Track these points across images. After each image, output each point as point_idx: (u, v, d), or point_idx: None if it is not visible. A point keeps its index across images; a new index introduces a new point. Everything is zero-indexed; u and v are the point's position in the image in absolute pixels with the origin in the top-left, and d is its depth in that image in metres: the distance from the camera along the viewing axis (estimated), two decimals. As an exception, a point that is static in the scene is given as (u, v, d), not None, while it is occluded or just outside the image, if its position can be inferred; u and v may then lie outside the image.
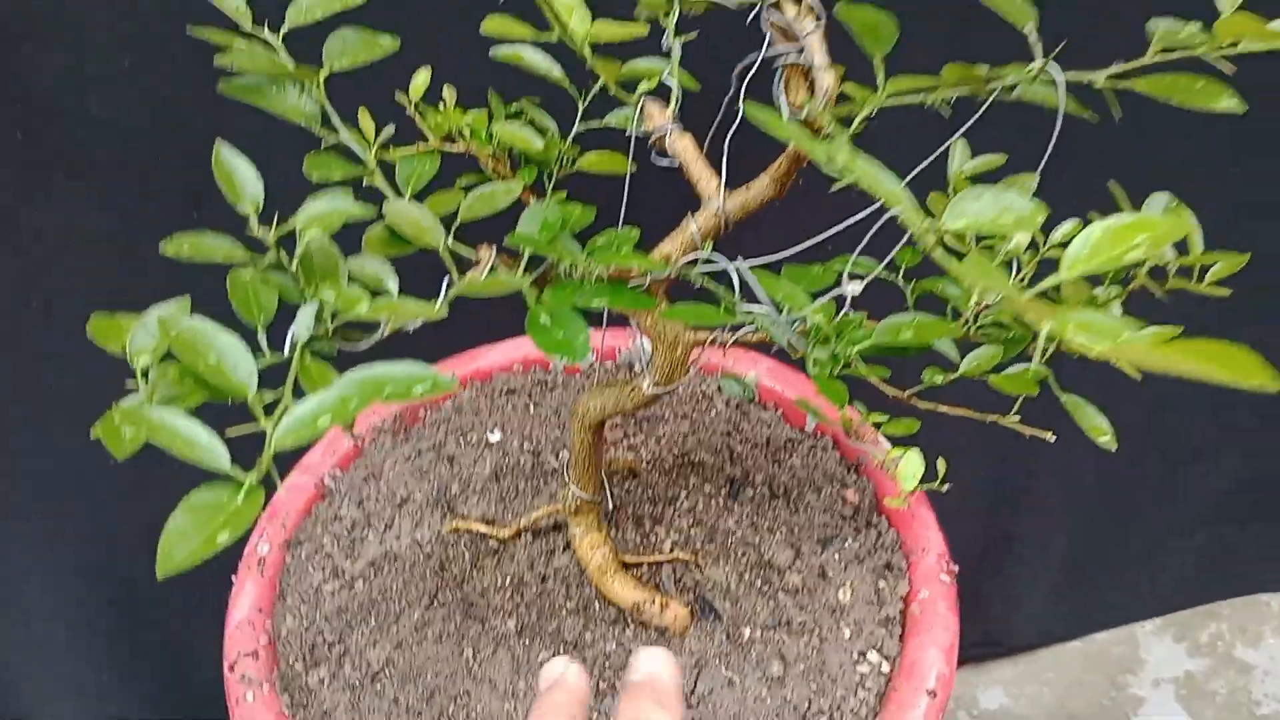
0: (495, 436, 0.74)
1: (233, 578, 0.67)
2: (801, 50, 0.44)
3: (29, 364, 0.86)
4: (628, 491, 0.69)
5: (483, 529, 0.66)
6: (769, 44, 0.45)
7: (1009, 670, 1.50)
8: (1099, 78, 0.42)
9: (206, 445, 0.30)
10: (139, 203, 0.79)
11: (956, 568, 0.66)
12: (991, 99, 0.44)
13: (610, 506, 0.67)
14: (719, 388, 0.79)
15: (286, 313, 0.40)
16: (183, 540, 0.28)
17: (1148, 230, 0.32)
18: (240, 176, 0.39)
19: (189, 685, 1.07)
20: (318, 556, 0.67)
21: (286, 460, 0.74)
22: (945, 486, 0.51)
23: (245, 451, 0.33)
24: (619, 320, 0.79)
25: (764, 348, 0.81)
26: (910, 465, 0.45)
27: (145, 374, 0.35)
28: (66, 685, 1.04)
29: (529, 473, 0.71)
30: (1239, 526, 1.44)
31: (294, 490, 0.71)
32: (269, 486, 0.32)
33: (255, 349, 0.38)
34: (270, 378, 0.37)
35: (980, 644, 1.46)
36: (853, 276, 0.45)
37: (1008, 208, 0.38)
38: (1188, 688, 1.49)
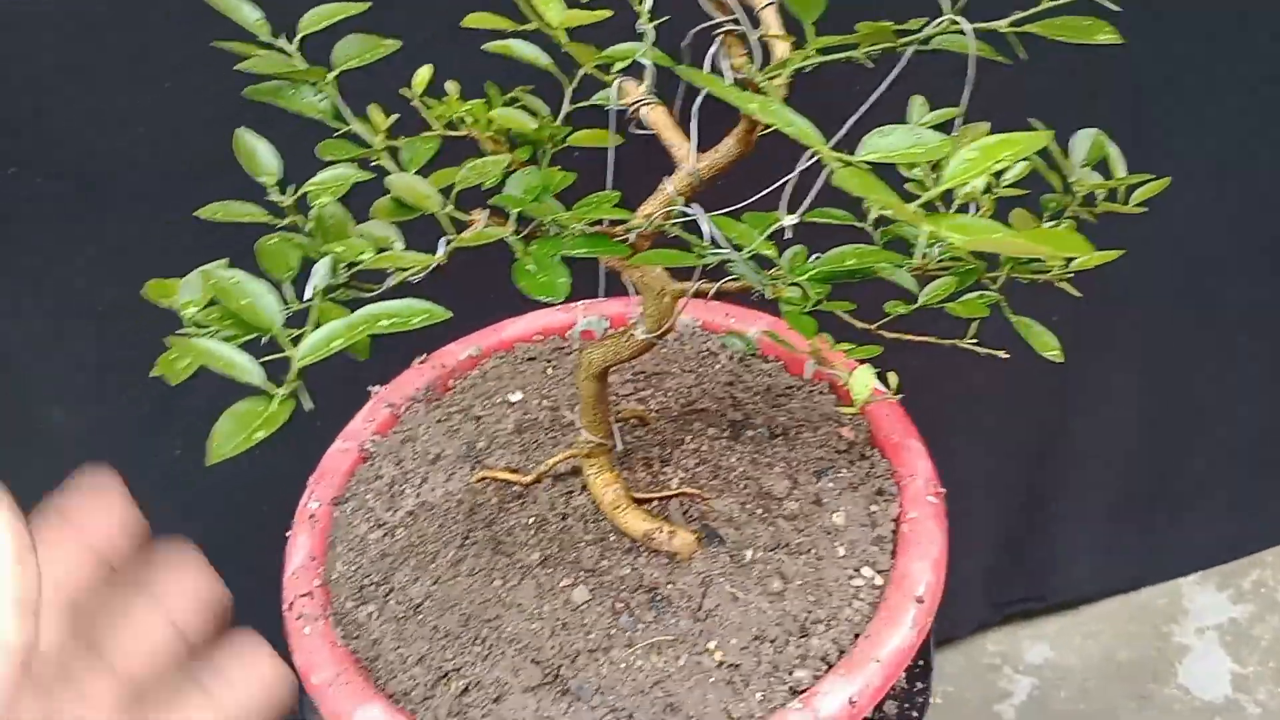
0: (516, 397, 0.82)
1: (286, 534, 0.75)
2: (737, 20, 0.50)
3: (89, 368, 0.94)
4: (638, 438, 0.76)
5: (507, 476, 0.73)
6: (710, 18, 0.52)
7: (1053, 624, 1.53)
8: (1002, 25, 0.48)
9: (246, 365, 0.38)
10: (155, 230, 0.87)
11: (943, 490, 0.72)
12: (910, 51, 0.50)
13: (621, 450, 0.74)
14: (723, 345, 0.85)
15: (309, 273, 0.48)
16: (229, 438, 0.36)
17: (1011, 146, 0.38)
18: (259, 154, 0.46)
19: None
20: (362, 511, 0.75)
21: (331, 429, 0.82)
22: (899, 396, 0.57)
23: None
24: (623, 290, 0.85)
25: (752, 297, 0.88)
26: (861, 377, 0.51)
27: (193, 321, 0.42)
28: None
29: (548, 426, 0.78)
30: (1276, 473, 1.46)
31: (339, 455, 0.79)
32: (296, 401, 0.39)
33: (284, 301, 0.45)
34: (297, 322, 0.44)
35: (1023, 599, 1.49)
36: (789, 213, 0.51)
37: (918, 141, 0.44)
38: (1232, 634, 1.51)
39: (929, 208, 0.42)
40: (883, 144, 0.43)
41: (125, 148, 0.85)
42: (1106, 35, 0.44)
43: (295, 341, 0.41)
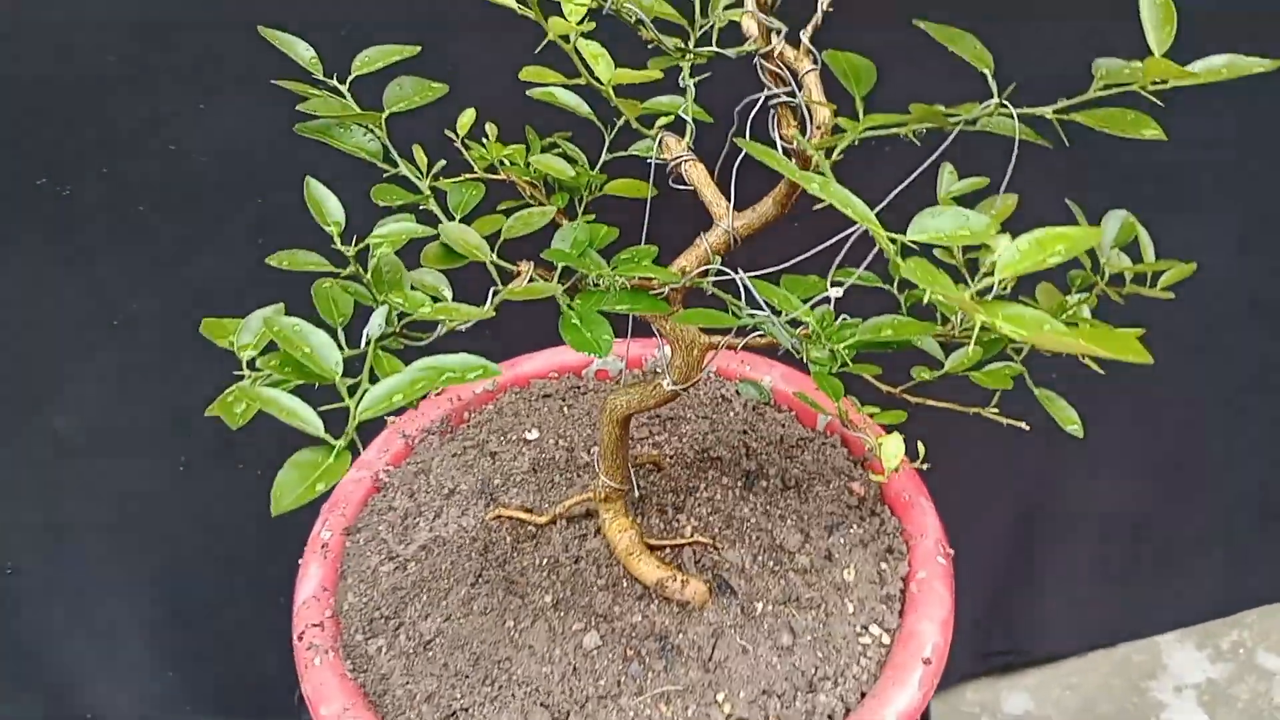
0: (533, 435, 0.82)
1: (299, 562, 0.75)
2: (792, 92, 0.51)
3: (104, 379, 0.95)
4: (652, 483, 0.77)
5: (522, 516, 0.74)
6: (767, 86, 0.53)
7: (1033, 676, 1.53)
8: (1046, 111, 0.49)
9: (306, 416, 0.38)
10: (211, 231, 0.88)
11: (952, 551, 0.73)
12: (955, 131, 0.51)
13: (636, 496, 0.74)
14: (737, 391, 0.86)
15: (358, 317, 0.49)
16: (290, 488, 0.36)
17: (1065, 240, 0.39)
18: (327, 204, 0.47)
19: (246, 682, 1.14)
20: (374, 542, 0.75)
21: (346, 457, 0.82)
22: (926, 465, 0.58)
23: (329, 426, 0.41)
24: (643, 332, 0.86)
25: (778, 355, 0.89)
26: (891, 446, 0.52)
27: (250, 364, 0.43)
28: (132, 682, 1.12)
29: (563, 466, 0.79)
30: (1263, 536, 1.47)
31: (352, 484, 0.80)
32: (354, 451, 0.40)
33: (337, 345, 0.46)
34: (346, 369, 0.45)
35: (1005, 652, 1.50)
36: (835, 283, 0.52)
37: (965, 224, 0.45)
38: (1210, 693, 1.52)
39: (954, 276, 0.43)
40: (931, 225, 0.44)
41: (167, 157, 0.85)
42: (1151, 131, 0.46)
43: (351, 391, 0.41)
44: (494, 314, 0.47)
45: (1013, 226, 0.45)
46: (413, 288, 0.48)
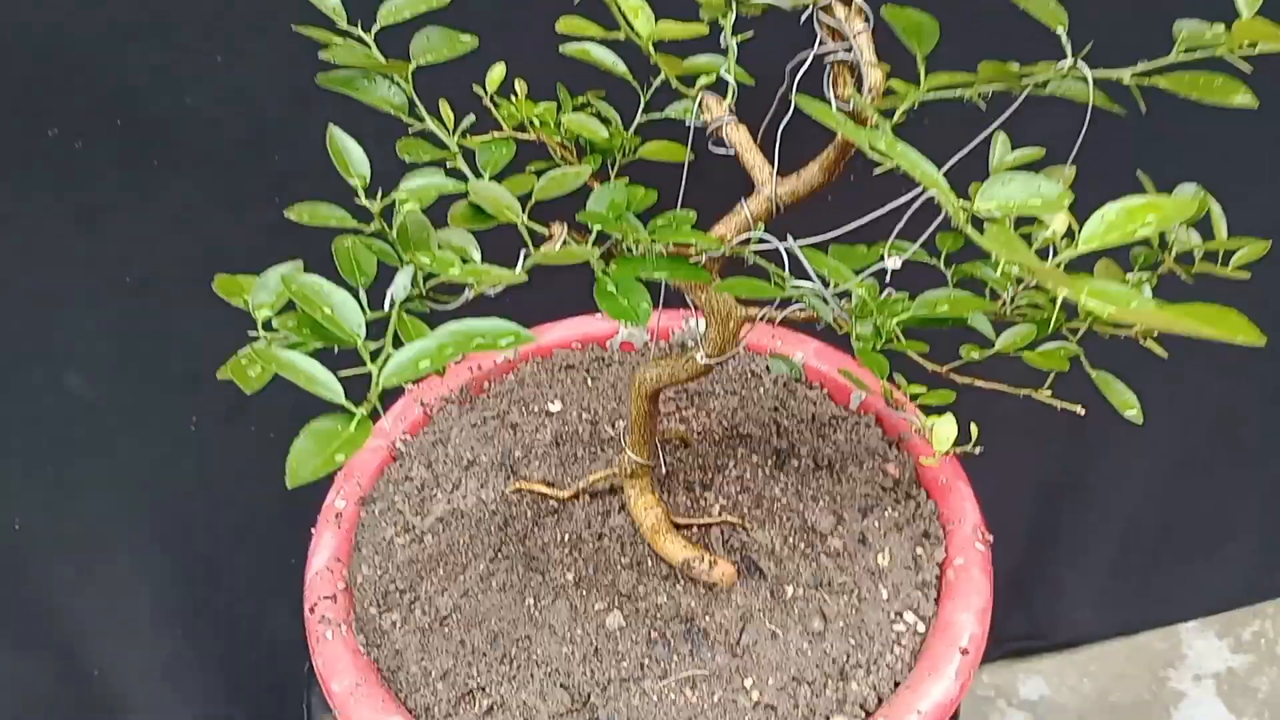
0: (555, 407, 0.79)
1: (311, 530, 0.73)
2: (850, 48, 0.48)
3: (116, 337, 0.92)
4: (680, 460, 0.74)
5: (544, 490, 0.71)
6: (819, 42, 0.49)
7: (1050, 662, 1.52)
8: (1125, 75, 0.46)
9: (325, 381, 0.35)
10: (227, 188, 0.85)
11: (991, 537, 0.70)
12: (1025, 94, 0.47)
13: (663, 472, 0.72)
14: (767, 367, 0.83)
15: (383, 276, 0.46)
16: (307, 459, 0.33)
17: (1156, 210, 0.36)
18: (351, 155, 0.44)
19: (255, 645, 1.13)
20: (390, 513, 0.73)
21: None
22: (979, 449, 0.55)
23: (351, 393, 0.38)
24: (671, 304, 0.83)
25: (812, 330, 0.86)
26: (944, 429, 0.49)
27: (266, 324, 0.40)
28: (140, 641, 1.11)
29: (587, 440, 0.76)
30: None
31: (368, 452, 0.77)
32: (375, 419, 0.37)
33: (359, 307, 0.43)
34: (367, 333, 0.42)
35: (1024, 637, 1.48)
36: (894, 254, 0.49)
37: (1037, 192, 0.42)
38: (1229, 684, 1.50)
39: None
40: (1001, 193, 0.41)
41: (185, 110, 0.82)
42: (1243, 98, 0.42)
43: (373, 355, 0.38)
44: (525, 278, 0.44)
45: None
46: (440, 248, 0.45)
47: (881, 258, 0.49)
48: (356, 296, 0.42)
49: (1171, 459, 1.32)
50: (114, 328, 0.91)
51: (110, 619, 1.08)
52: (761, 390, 0.81)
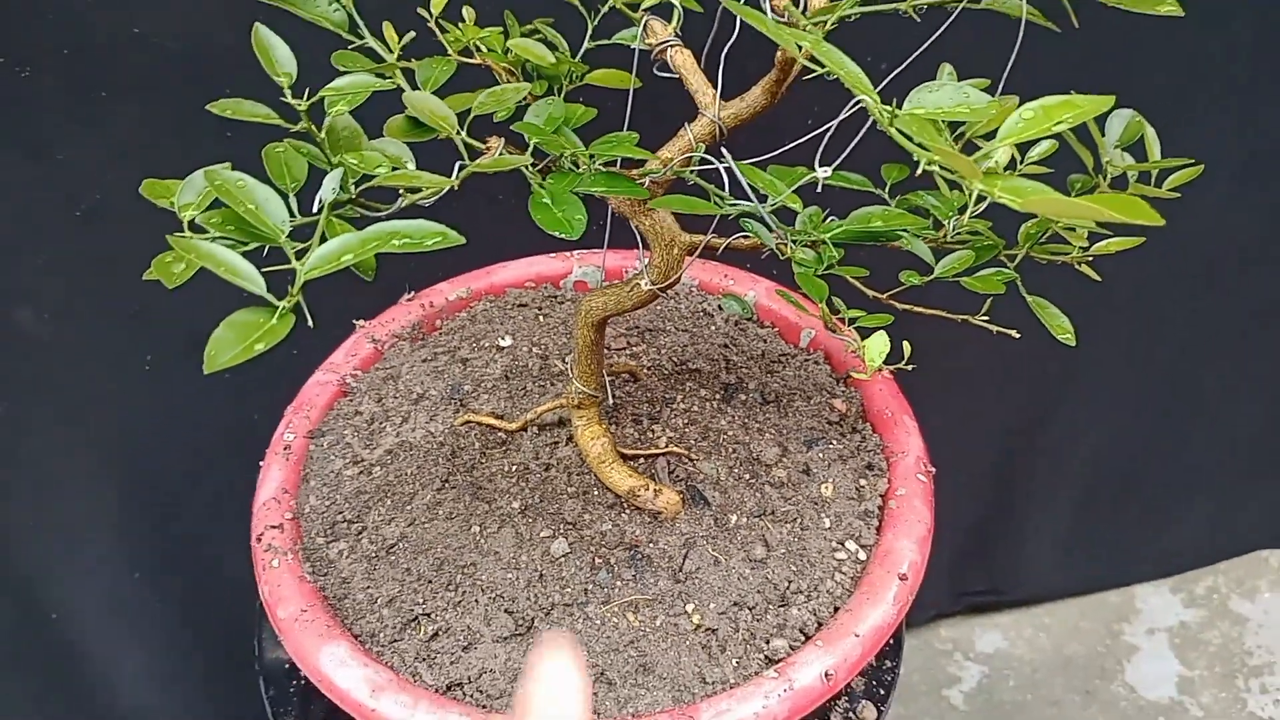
0: (506, 342, 0.80)
1: (259, 464, 0.73)
2: (785, -41, 0.48)
3: (67, 272, 0.91)
4: (628, 394, 0.74)
5: (492, 422, 0.72)
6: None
7: (1007, 616, 1.54)
8: (1057, -12, 0.46)
9: (248, 274, 0.35)
10: (176, 117, 0.84)
11: (934, 469, 0.71)
12: (960, 7, 0.48)
13: (611, 405, 0.72)
14: (719, 306, 0.83)
15: (315, 185, 0.45)
16: (226, 347, 0.33)
17: (1072, 108, 0.36)
18: (276, 52, 0.44)
19: (211, 585, 1.13)
20: (339, 446, 0.73)
21: (311, 360, 0.79)
22: (911, 366, 0.55)
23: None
24: (623, 244, 0.83)
25: (766, 271, 0.86)
26: (875, 344, 0.50)
27: (192, 225, 0.40)
28: (97, 581, 1.10)
29: (537, 374, 0.76)
30: (1247, 484, 1.47)
31: (318, 387, 0.77)
32: (298, 315, 0.37)
33: (288, 211, 0.43)
34: (300, 238, 0.42)
35: (984, 592, 1.50)
36: (824, 166, 0.49)
37: (965, 100, 0.42)
38: (1181, 637, 1.52)
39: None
40: (929, 100, 0.42)
41: (122, 40, 0.81)
42: (1169, 7, 0.43)
43: (300, 255, 0.38)
44: (455, 185, 0.44)
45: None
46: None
47: (813, 170, 0.49)
48: (286, 200, 0.42)
49: (1130, 420, 1.34)
50: (63, 262, 0.90)
51: (67, 561, 1.07)
52: (713, 328, 0.81)
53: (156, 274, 0.38)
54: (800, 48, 0.40)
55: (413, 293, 0.84)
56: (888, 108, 0.40)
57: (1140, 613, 1.57)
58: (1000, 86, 0.53)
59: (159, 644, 1.13)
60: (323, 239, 0.40)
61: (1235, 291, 1.21)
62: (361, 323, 0.82)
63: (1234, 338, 1.27)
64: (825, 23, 0.45)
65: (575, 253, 0.88)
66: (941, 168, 0.39)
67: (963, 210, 0.58)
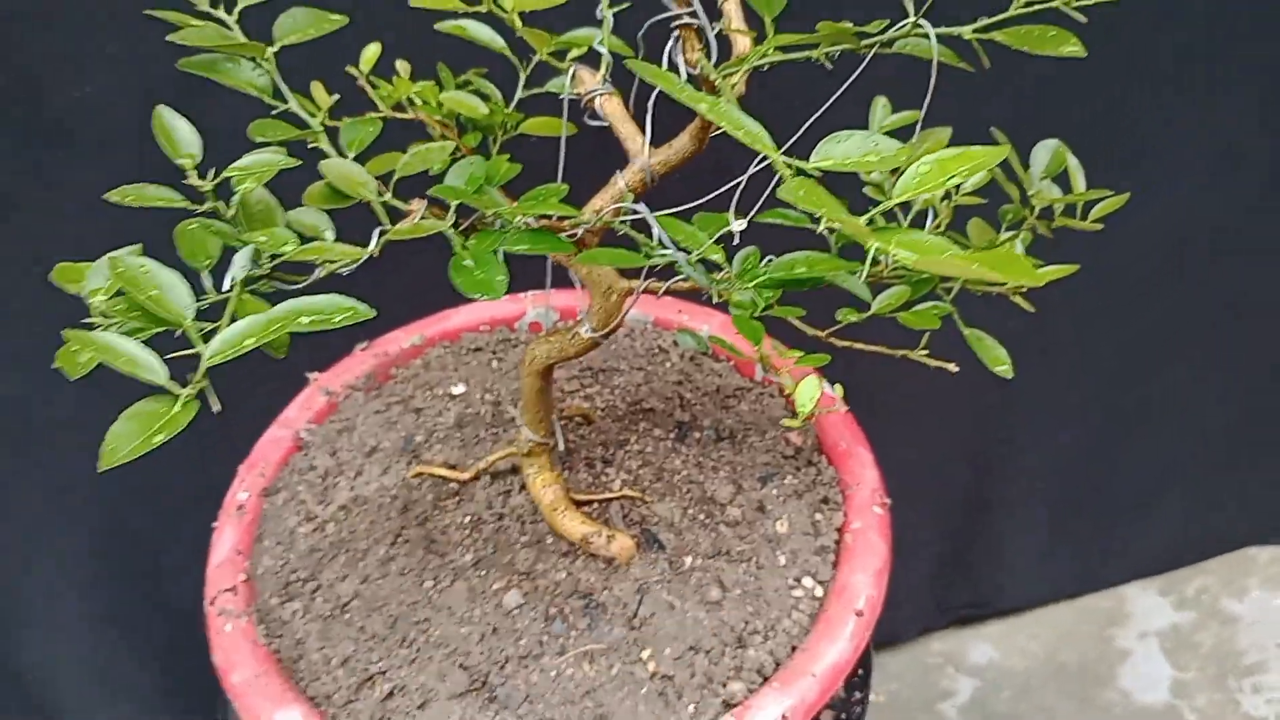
0: (459, 389, 0.79)
1: (213, 525, 0.72)
2: (695, 13, 0.48)
3: (29, 333, 0.91)
4: (582, 437, 0.74)
5: (444, 473, 0.71)
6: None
7: (997, 626, 1.53)
8: (966, 30, 0.46)
9: (147, 363, 0.35)
10: (129, 175, 0.84)
11: (889, 500, 0.70)
12: (871, 54, 0.48)
13: (563, 450, 0.72)
14: (674, 342, 0.83)
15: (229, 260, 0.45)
16: (125, 440, 0.33)
17: (968, 161, 0.36)
18: (178, 134, 0.44)
19: (175, 630, 1.12)
20: (293, 503, 0.73)
21: (265, 416, 0.79)
22: (845, 409, 0.55)
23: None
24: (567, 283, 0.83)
25: (703, 300, 0.86)
26: (807, 389, 0.50)
27: (100, 311, 0.40)
28: (78, 655, 1.10)
29: (490, 421, 0.76)
30: (1224, 478, 1.46)
31: (272, 443, 0.77)
32: (203, 401, 0.37)
33: (201, 290, 0.43)
34: (215, 314, 0.42)
35: (969, 605, 1.49)
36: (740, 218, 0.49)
37: (874, 148, 0.42)
38: (1173, 640, 1.52)
39: (888, 216, 0.40)
40: (837, 151, 0.41)
41: (80, 102, 0.81)
42: (1071, 48, 0.43)
43: (208, 337, 0.38)
44: (373, 254, 0.44)
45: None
46: (290, 228, 0.45)
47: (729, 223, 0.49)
48: (199, 279, 0.42)
49: (1098, 419, 1.34)
50: (28, 321, 0.90)
51: (42, 619, 1.07)
52: (667, 365, 0.81)
53: (61, 365, 0.38)
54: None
55: (367, 342, 0.84)
56: (793, 161, 0.40)
57: (1131, 616, 1.57)
58: (920, 123, 0.53)
59: (132, 704, 1.12)
60: (233, 319, 0.40)
61: (1205, 282, 1.20)
62: (314, 375, 0.82)
63: (1204, 329, 1.26)
64: (736, 73, 0.45)
65: (528, 294, 0.88)
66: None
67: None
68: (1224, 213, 1.14)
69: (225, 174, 0.42)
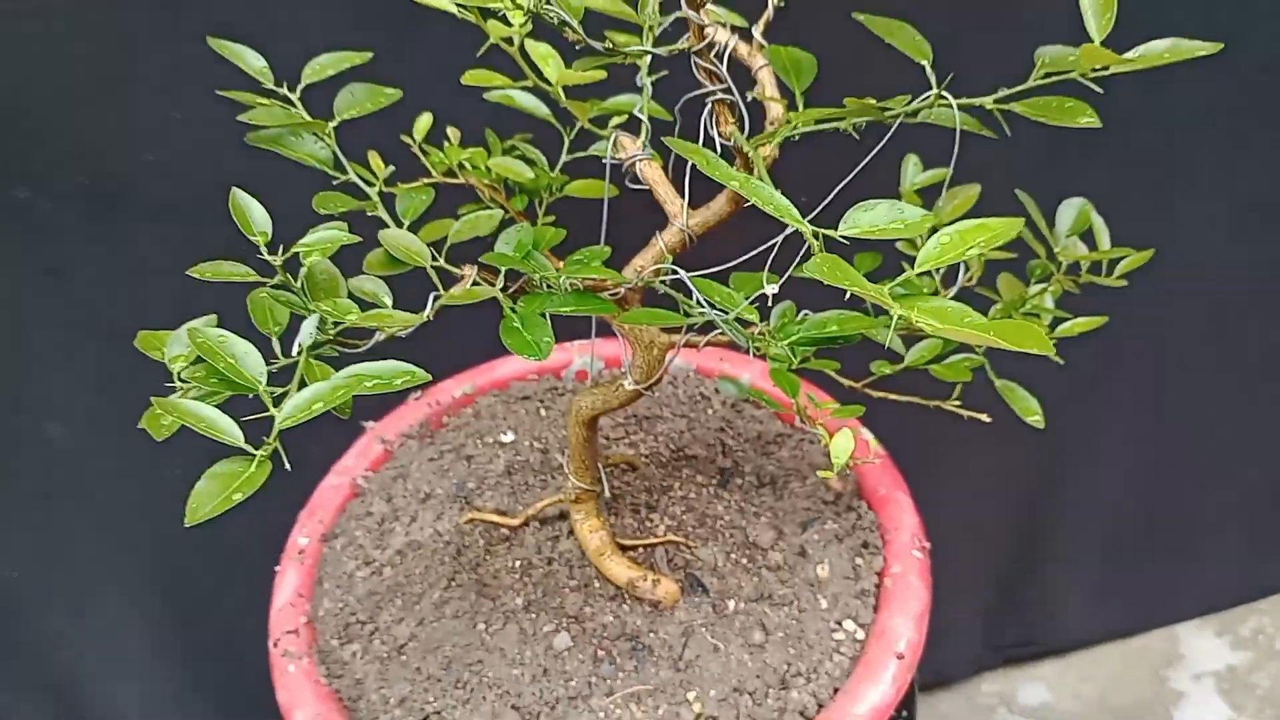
0: (509, 437, 0.82)
1: (275, 569, 0.76)
2: (729, 89, 0.51)
3: (96, 388, 0.96)
4: (627, 483, 0.77)
5: (495, 519, 0.74)
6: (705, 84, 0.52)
7: (1050, 667, 1.52)
8: (986, 102, 0.49)
9: (226, 428, 0.38)
10: (188, 239, 0.89)
11: (929, 544, 0.72)
12: (897, 124, 0.50)
13: (609, 496, 0.74)
14: (716, 389, 0.86)
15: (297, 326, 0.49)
16: (207, 499, 0.36)
17: (986, 233, 0.39)
18: (252, 213, 0.47)
19: (238, 672, 1.15)
20: (351, 547, 0.76)
21: (324, 464, 0.83)
22: (879, 460, 0.57)
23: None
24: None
25: (745, 352, 0.88)
26: (841, 442, 0.52)
27: (180, 376, 0.43)
28: (140, 697, 1.13)
29: (538, 468, 0.79)
30: (1276, 521, 1.45)
31: (330, 490, 0.80)
32: (276, 461, 0.40)
33: (271, 355, 0.46)
34: (285, 379, 0.45)
35: (1020, 644, 1.49)
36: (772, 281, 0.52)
37: (900, 216, 0.44)
38: (1230, 681, 1.50)
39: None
40: (864, 220, 0.44)
41: (146, 166, 0.86)
42: (1087, 119, 0.45)
43: (278, 400, 0.41)
44: (427, 320, 0.47)
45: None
46: (351, 295, 0.49)
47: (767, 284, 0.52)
48: (269, 345, 0.45)
49: (1149, 457, 1.33)
50: (89, 378, 0.94)
51: (104, 663, 1.11)
52: (710, 412, 0.84)
53: (146, 426, 0.42)
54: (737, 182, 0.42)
55: (420, 392, 0.88)
56: (820, 231, 0.42)
57: (1185, 658, 1.55)
58: (971, 194, 0.55)
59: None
60: (302, 383, 0.44)
61: (1257, 322, 1.20)
62: (370, 424, 0.85)
63: (1252, 378, 1.26)
64: (768, 149, 0.48)
65: (575, 343, 0.91)
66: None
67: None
68: (1265, 258, 1.14)
69: (294, 249, 0.46)
